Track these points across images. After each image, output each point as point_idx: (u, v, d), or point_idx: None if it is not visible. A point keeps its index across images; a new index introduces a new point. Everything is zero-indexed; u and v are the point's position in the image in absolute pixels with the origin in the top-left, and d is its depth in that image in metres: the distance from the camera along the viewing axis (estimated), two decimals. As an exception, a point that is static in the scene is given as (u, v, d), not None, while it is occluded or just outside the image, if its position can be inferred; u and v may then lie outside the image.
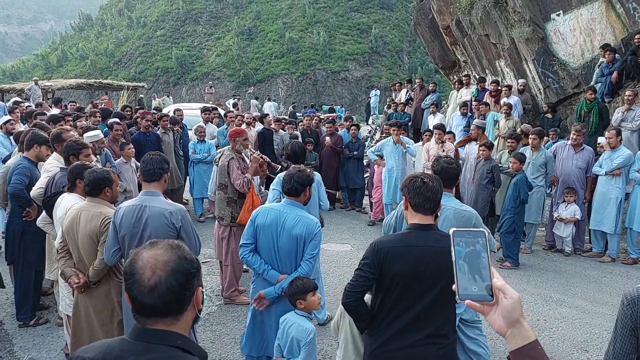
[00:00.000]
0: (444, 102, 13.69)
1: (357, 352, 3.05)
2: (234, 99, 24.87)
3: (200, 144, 9.17)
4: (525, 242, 8.04)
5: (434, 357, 2.62)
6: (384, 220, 3.90)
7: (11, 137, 8.41)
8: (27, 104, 12.82)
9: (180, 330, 1.46)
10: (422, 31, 16.45)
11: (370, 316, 2.72)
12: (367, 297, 2.79)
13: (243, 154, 5.73)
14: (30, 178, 5.02)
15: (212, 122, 10.43)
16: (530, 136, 8.02)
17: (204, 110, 10.48)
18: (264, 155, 5.89)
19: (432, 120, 11.67)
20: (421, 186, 2.69)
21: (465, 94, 12.48)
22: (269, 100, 27.07)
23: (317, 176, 5.40)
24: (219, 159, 5.75)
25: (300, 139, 9.96)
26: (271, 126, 10.21)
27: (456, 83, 13.25)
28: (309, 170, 3.80)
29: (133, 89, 26.66)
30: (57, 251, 3.85)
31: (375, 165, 9.42)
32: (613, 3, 9.86)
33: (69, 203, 3.93)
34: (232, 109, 17.63)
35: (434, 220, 2.75)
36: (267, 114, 9.94)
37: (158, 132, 8.87)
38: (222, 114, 12.49)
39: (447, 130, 9.35)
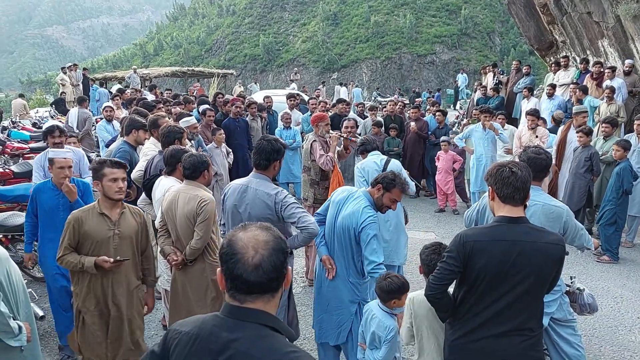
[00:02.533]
0: (540, 85, 12.94)
1: (439, 349, 2.99)
2: (292, 82, 25.09)
3: (286, 131, 9.35)
4: (626, 235, 7.50)
5: (517, 349, 2.51)
6: (466, 213, 3.75)
7: (113, 123, 9.03)
8: (127, 91, 13.69)
9: (272, 308, 1.52)
10: (516, 10, 15.62)
11: (452, 306, 2.66)
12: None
13: (326, 138, 5.82)
14: (130, 161, 5.30)
15: (296, 109, 10.58)
16: (635, 122, 7.44)
17: (289, 96, 10.63)
18: (340, 133, 5.98)
19: (525, 105, 11.10)
20: (510, 176, 2.54)
21: (564, 76, 11.70)
22: (343, 85, 26.81)
23: (397, 162, 5.46)
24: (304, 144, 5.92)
25: (383, 125, 9.86)
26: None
27: (553, 65, 12.47)
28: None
29: (223, 76, 27.60)
30: (157, 230, 4.09)
31: (442, 152, 9.20)
32: None
33: (167, 185, 4.15)
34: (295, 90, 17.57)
35: (523, 211, 2.62)
36: (344, 100, 9.87)
37: (247, 118, 9.14)
38: (306, 100, 12.64)
39: (539, 115, 8.88)
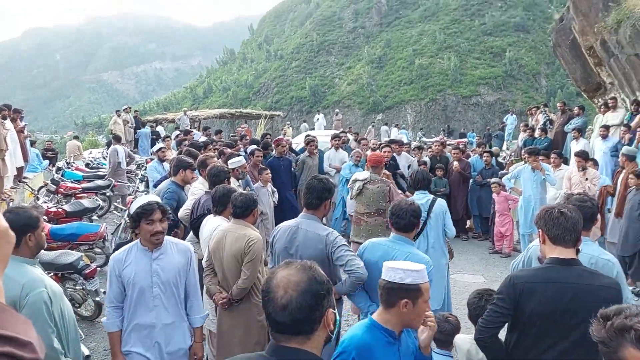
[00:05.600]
0: (589, 127, 12.69)
1: None
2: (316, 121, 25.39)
3: (355, 167, 9.33)
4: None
5: None
6: (512, 264, 3.66)
7: (164, 164, 9.37)
8: (177, 132, 14.24)
9: (312, 349, 1.52)
10: (562, 53, 15.53)
11: (504, 353, 2.60)
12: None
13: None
14: (177, 201, 5.44)
15: (341, 149, 10.70)
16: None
17: (333, 137, 10.78)
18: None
19: (574, 146, 10.88)
20: (559, 217, 2.53)
21: (612, 118, 11.45)
22: (397, 127, 27.05)
23: (443, 202, 5.40)
24: (364, 185, 5.87)
25: (428, 165, 9.85)
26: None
27: (601, 107, 12.23)
28: (417, 203, 3.68)
29: (270, 118, 28.22)
30: (204, 269, 4.13)
31: (495, 194, 9.13)
32: None
33: (215, 224, 4.24)
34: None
35: (576, 254, 2.58)
36: (397, 140, 10.01)
37: (303, 156, 9.33)
38: (353, 139, 12.81)
39: (588, 156, 8.67)
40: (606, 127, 10.69)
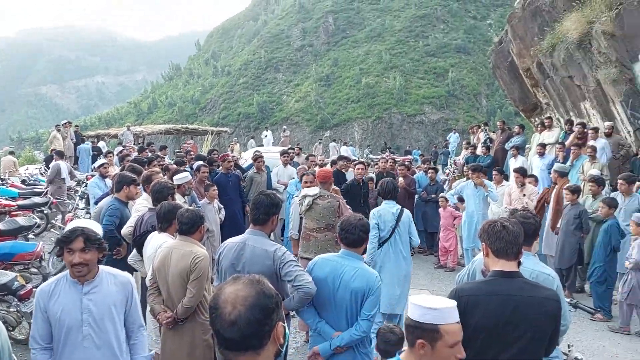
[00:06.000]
0: (528, 145, 13.26)
1: None
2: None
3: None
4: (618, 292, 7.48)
5: None
6: (457, 276, 3.73)
7: (106, 180, 9.07)
8: (119, 148, 13.84)
9: None
10: (501, 74, 16.21)
11: None
12: None
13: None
14: (120, 218, 5.29)
15: (290, 165, 10.70)
16: (619, 181, 7.61)
17: (282, 153, 10.77)
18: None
19: (513, 163, 11.32)
20: (501, 230, 2.61)
21: (548, 136, 12.03)
22: (346, 144, 27.43)
23: (409, 213, 5.65)
24: (314, 200, 5.86)
25: (374, 181, 9.98)
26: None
27: (538, 126, 12.82)
28: (365, 218, 3.67)
29: (217, 134, 27.96)
30: (148, 288, 4.01)
31: (441, 209, 9.38)
32: None
33: (160, 241, 4.12)
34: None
35: (517, 267, 2.66)
36: (346, 157, 10.12)
37: (251, 172, 9.27)
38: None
39: (526, 173, 9.05)
40: (543, 145, 11.19)
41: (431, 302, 2.07)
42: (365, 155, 27.68)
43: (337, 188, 6.61)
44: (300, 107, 52.96)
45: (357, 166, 8.88)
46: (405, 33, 58.62)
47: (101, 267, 2.99)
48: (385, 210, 5.49)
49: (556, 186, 8.39)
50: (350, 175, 10.33)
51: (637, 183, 8.30)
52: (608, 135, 10.72)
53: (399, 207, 5.56)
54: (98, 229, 3.03)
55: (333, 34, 63.82)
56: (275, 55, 63.45)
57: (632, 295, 6.26)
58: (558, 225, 7.93)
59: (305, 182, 6.45)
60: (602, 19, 10.59)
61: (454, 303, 2.11)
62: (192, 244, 3.79)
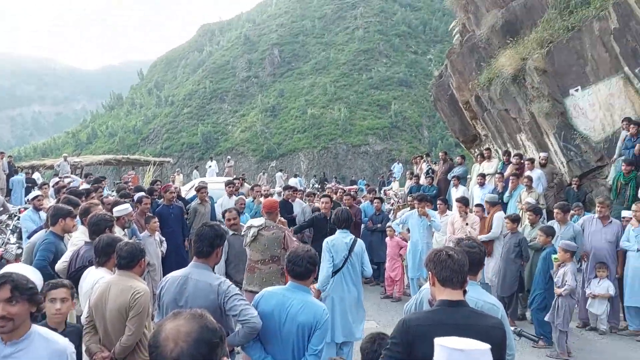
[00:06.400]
0: (469, 175, 13.71)
1: None
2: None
3: (243, 216, 9.17)
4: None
5: None
6: (405, 306, 3.73)
7: (40, 213, 8.61)
8: (55, 179, 13.25)
9: None
10: (441, 106, 16.76)
11: None
12: None
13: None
14: (55, 253, 5.01)
15: (235, 195, 10.55)
16: (554, 210, 7.94)
17: (227, 183, 10.62)
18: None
19: (455, 193, 11.65)
20: (447, 259, 2.63)
21: (487, 167, 12.49)
22: (296, 177, 27.54)
23: (362, 242, 5.66)
24: (259, 231, 5.76)
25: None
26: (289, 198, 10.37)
27: (478, 156, 13.31)
28: (313, 250, 3.63)
29: (159, 164, 27.37)
30: (84, 327, 3.80)
31: (388, 238, 9.46)
32: (631, 79, 9.97)
33: (96, 277, 3.93)
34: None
35: (463, 295, 2.68)
36: (293, 187, 10.11)
37: (195, 204, 9.05)
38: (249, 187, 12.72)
39: (469, 202, 9.32)
40: (483, 176, 11.59)
41: (458, 344, 1.94)
42: (311, 186, 27.76)
43: (283, 219, 6.54)
44: (246, 137, 52.81)
45: (322, 199, 8.49)
46: (350, 66, 60.01)
47: (35, 326, 2.51)
48: (338, 240, 5.46)
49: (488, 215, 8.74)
50: (297, 205, 10.32)
51: (572, 212, 8.70)
52: (543, 165, 11.23)
53: (353, 237, 5.56)
54: (34, 276, 2.59)
55: (279, 66, 64.49)
56: (220, 86, 63.29)
57: (564, 321, 6.45)
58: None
59: (229, 220, 6.39)
60: (534, 55, 11.20)
61: (486, 346, 1.97)
62: (132, 279, 3.63)
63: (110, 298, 3.53)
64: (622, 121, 9.85)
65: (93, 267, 4.14)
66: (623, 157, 9.49)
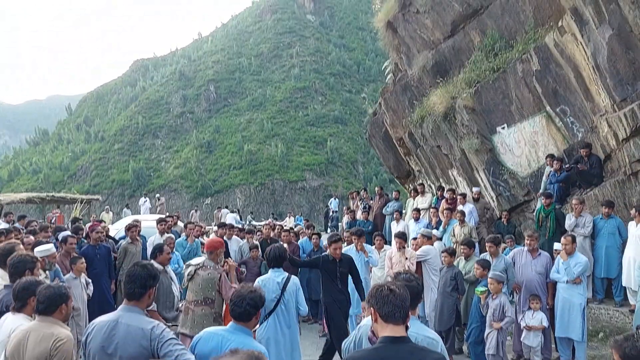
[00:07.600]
0: (404, 210, 14.00)
1: None
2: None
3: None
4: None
5: None
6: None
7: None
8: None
9: None
10: (376, 143, 17.12)
11: None
12: None
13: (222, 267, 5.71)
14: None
15: (167, 233, 10.19)
16: (487, 244, 8.14)
17: (159, 221, 10.25)
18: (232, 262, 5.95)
19: (395, 227, 11.81)
20: (389, 294, 2.60)
21: (422, 202, 12.79)
22: (232, 212, 27.12)
23: (296, 280, 5.46)
24: (195, 270, 5.53)
25: (259, 249, 9.80)
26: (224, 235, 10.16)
27: (412, 191, 13.62)
28: (260, 290, 3.57)
29: (87, 202, 26.12)
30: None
31: None
32: (552, 117, 10.61)
33: (14, 324, 3.61)
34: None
35: (405, 331, 2.63)
36: (227, 224, 9.90)
37: (125, 243, 8.65)
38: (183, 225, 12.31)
39: (407, 237, 9.44)
40: (417, 210, 11.84)
41: None
42: (248, 222, 27.39)
43: (233, 263, 6.32)
44: (180, 174, 51.66)
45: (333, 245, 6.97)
46: (286, 103, 60.59)
47: None
48: (269, 280, 5.30)
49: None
50: (234, 243, 10.09)
51: (504, 244, 8.98)
52: (476, 200, 11.63)
53: (286, 275, 5.40)
54: None
55: (215, 102, 64.12)
56: (153, 121, 61.93)
57: (497, 354, 6.54)
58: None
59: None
60: (463, 95, 11.72)
61: None
62: (54, 325, 3.36)
63: (29, 347, 3.23)
64: (546, 158, 10.42)
65: (10, 313, 3.81)
66: (540, 191, 10.04)
